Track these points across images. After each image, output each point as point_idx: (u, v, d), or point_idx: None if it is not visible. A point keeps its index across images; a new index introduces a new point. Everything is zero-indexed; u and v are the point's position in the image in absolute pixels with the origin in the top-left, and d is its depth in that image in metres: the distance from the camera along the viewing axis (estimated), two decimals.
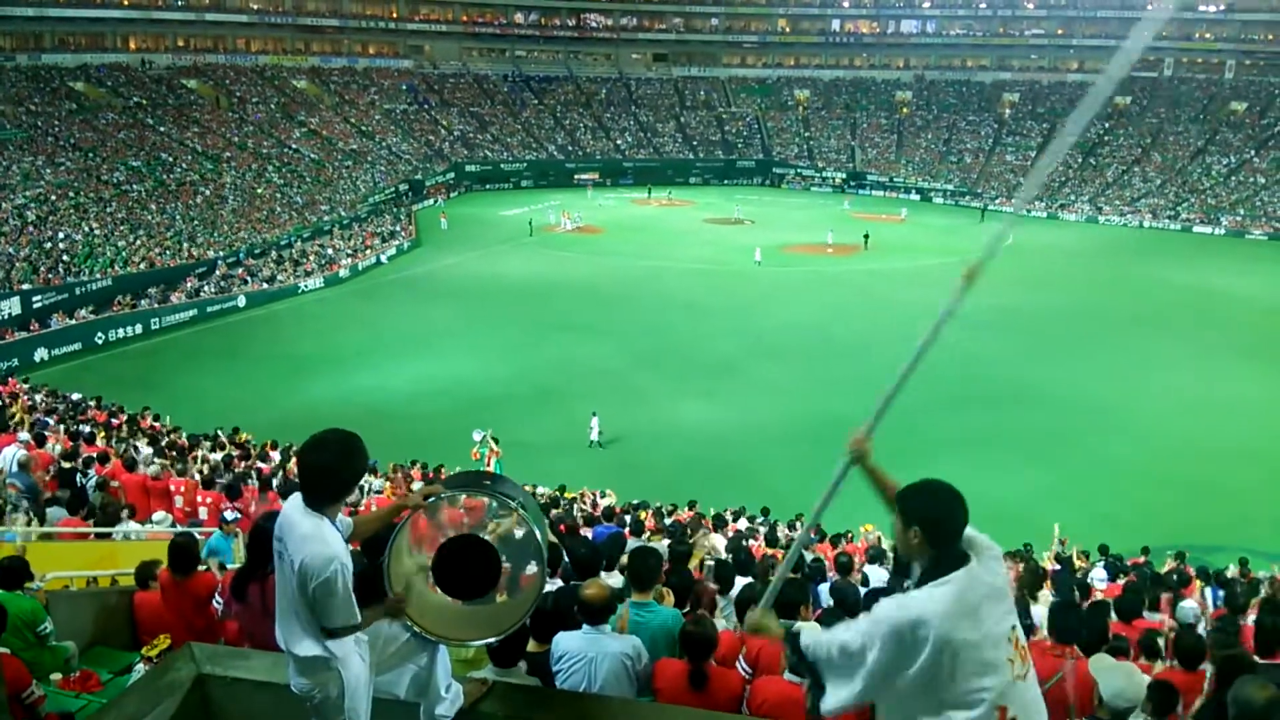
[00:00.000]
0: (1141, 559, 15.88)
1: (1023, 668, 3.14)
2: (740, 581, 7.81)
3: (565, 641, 4.92)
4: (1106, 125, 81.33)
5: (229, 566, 8.15)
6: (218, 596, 6.47)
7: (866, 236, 57.07)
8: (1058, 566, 14.30)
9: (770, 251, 52.63)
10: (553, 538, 6.89)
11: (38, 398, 22.16)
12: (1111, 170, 76.39)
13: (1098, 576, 13.66)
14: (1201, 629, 8.78)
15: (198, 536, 8.91)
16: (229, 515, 10.87)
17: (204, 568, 7.20)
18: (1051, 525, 17.56)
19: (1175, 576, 13.66)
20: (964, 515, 3.26)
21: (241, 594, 5.38)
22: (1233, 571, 14.49)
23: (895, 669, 3.12)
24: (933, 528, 3.26)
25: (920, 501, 3.32)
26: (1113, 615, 8.30)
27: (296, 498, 3.73)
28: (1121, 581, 13.19)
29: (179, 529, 11.13)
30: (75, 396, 23.24)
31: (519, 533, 4.05)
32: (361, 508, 13.44)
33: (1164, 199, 71.29)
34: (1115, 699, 4.69)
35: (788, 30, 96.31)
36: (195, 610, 6.58)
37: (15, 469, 12.23)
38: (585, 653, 4.82)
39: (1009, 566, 13.44)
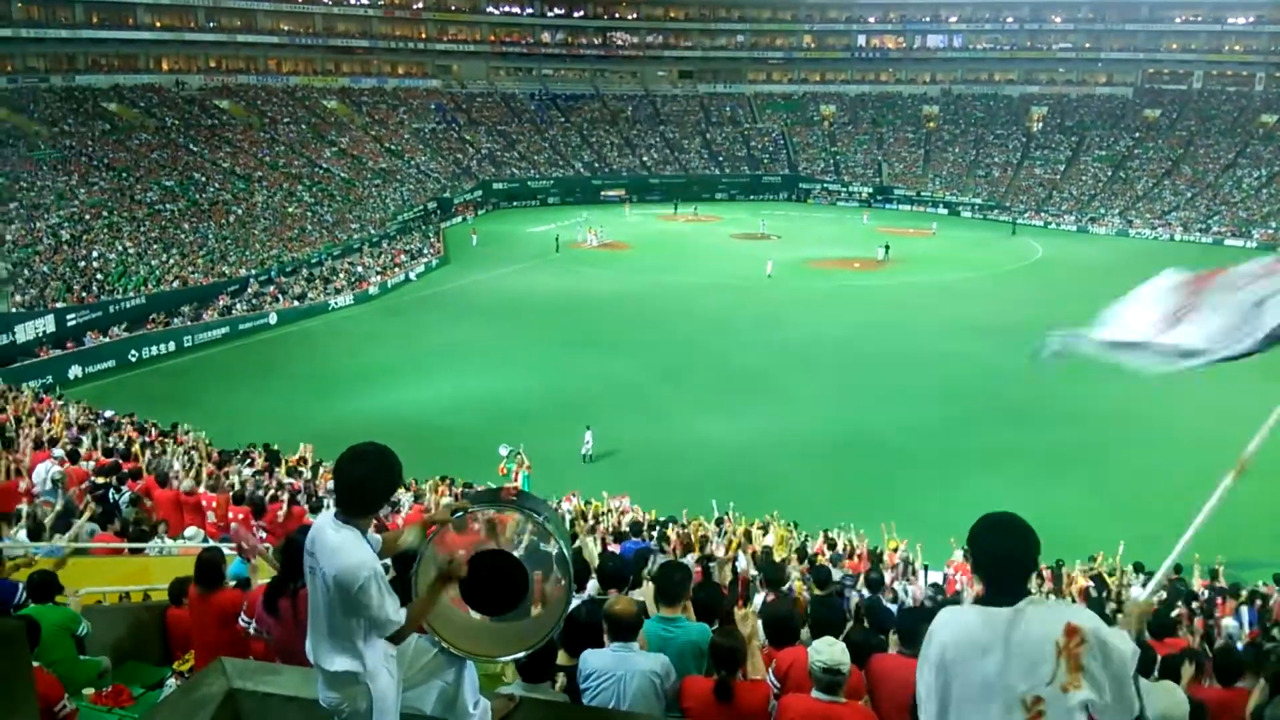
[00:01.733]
0: (1175, 575, 15.65)
1: None
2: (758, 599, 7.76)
3: (593, 660, 4.91)
4: (1136, 138, 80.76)
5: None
6: (243, 614, 6.48)
7: (887, 247, 57.17)
8: (1090, 583, 14.15)
9: (796, 266, 52.60)
10: (594, 551, 6.88)
11: (72, 414, 22.41)
12: (1142, 183, 75.76)
13: (1135, 595, 13.50)
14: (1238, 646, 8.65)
15: (226, 552, 8.96)
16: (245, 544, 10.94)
17: (232, 583, 7.23)
18: (1084, 539, 17.39)
19: (1209, 593, 13.49)
20: (1006, 551, 3.09)
21: (273, 608, 5.40)
22: (1267, 589, 14.27)
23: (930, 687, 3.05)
24: (973, 558, 3.17)
25: (973, 531, 3.17)
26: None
27: (328, 513, 3.78)
28: (1156, 601, 13.02)
29: (211, 544, 11.20)
30: (109, 414, 23.47)
31: (546, 547, 4.05)
32: (389, 524, 13.47)
33: (1195, 212, 70.58)
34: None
35: (813, 46, 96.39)
36: (219, 627, 6.61)
37: (50, 486, 12.35)
38: (613, 671, 4.80)
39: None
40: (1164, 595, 13.20)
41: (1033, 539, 3.11)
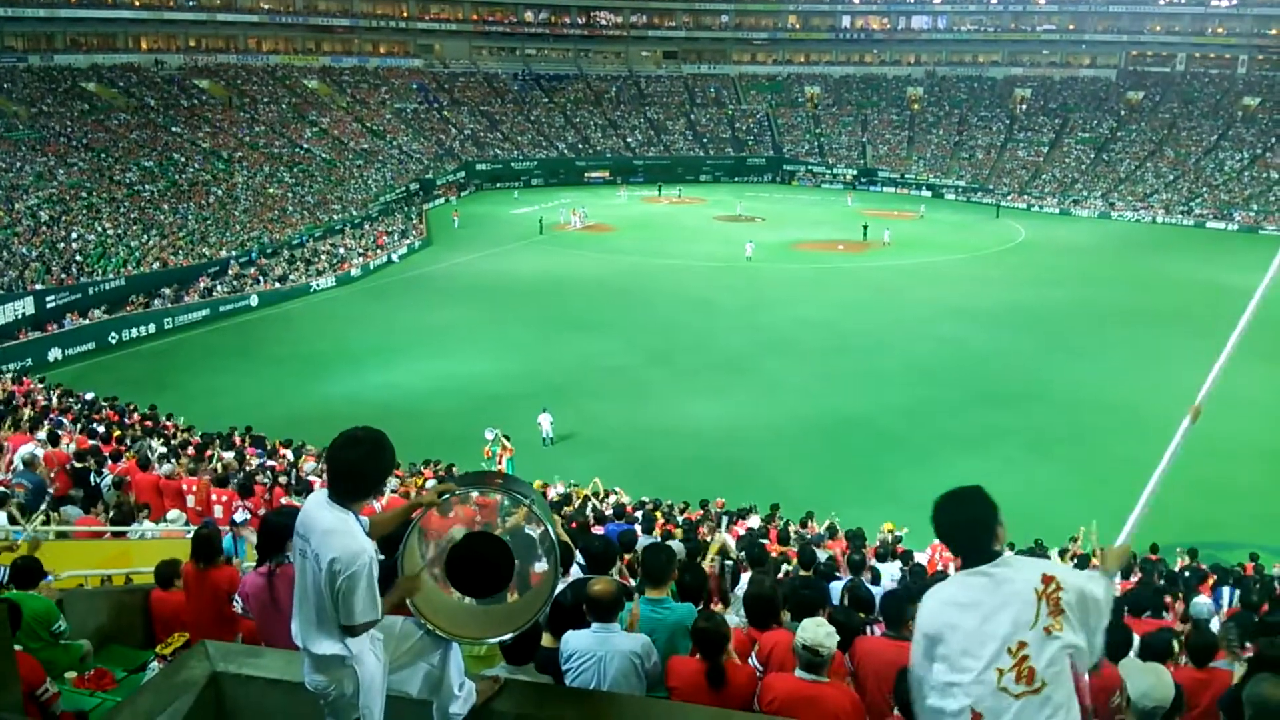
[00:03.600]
0: (1153, 556, 15.80)
1: (1020, 687, 3.03)
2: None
3: (574, 641, 4.90)
4: (1119, 120, 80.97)
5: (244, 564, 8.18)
6: (238, 595, 6.50)
7: (865, 228, 57.27)
8: (1073, 564, 14.25)
9: (781, 248, 52.66)
10: (565, 537, 6.87)
11: (52, 397, 22.26)
12: (1124, 166, 76.00)
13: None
14: (1215, 626, 8.73)
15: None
16: (238, 517, 10.92)
17: (223, 558, 7.24)
18: (1066, 521, 17.50)
19: (1188, 574, 13.61)
20: (964, 518, 3.28)
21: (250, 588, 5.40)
22: (1244, 568, 14.42)
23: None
24: (940, 535, 3.32)
25: (933, 513, 3.35)
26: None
27: (320, 494, 3.74)
28: (1133, 579, 13.14)
29: (192, 528, 11.16)
30: (89, 396, 23.35)
31: (531, 530, 4.05)
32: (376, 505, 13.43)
33: (1177, 194, 70.91)
34: (1143, 699, 4.63)
35: (798, 27, 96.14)
36: (215, 603, 6.64)
37: (21, 467, 12.21)
38: (594, 651, 4.81)
39: None
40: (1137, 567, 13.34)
41: (983, 501, 3.30)
